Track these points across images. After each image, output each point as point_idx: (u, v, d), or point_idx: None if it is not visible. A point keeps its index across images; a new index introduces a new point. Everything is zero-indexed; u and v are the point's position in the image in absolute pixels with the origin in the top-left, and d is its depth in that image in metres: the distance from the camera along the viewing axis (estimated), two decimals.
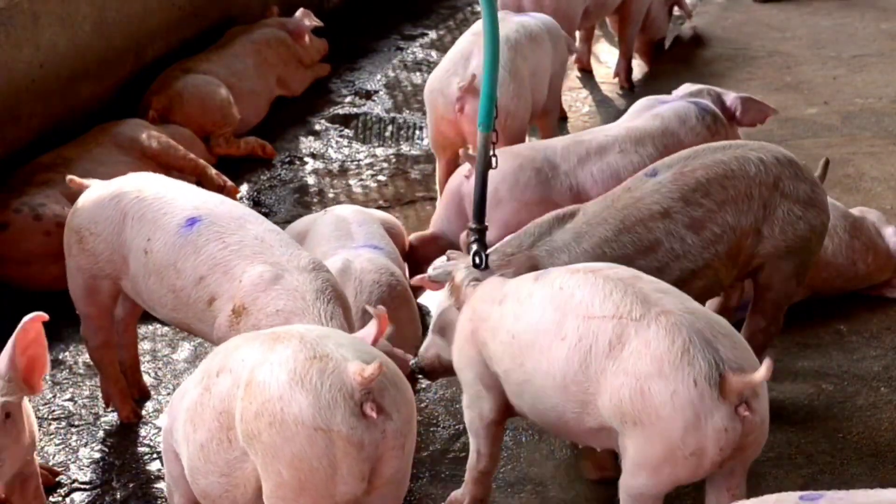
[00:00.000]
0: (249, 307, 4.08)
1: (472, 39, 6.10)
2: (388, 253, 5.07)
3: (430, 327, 4.45)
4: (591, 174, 5.45)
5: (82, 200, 4.56)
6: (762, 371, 3.32)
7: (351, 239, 5.07)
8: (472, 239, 4.56)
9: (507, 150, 5.42)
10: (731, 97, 5.72)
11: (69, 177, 4.72)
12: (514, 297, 3.82)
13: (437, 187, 6.41)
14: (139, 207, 4.39)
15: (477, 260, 4.41)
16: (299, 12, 7.78)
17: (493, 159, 4.43)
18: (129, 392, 4.86)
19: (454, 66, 6.11)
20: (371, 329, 3.76)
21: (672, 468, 3.46)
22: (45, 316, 3.57)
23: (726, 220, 4.33)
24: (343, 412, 3.22)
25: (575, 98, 7.89)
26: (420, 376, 4.49)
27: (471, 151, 5.48)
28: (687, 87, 5.81)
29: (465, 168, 5.49)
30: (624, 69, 8.10)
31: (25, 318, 3.54)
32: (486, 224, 4.43)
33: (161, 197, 4.40)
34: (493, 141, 4.43)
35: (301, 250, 4.28)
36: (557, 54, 6.51)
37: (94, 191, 4.55)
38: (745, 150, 4.46)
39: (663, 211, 4.27)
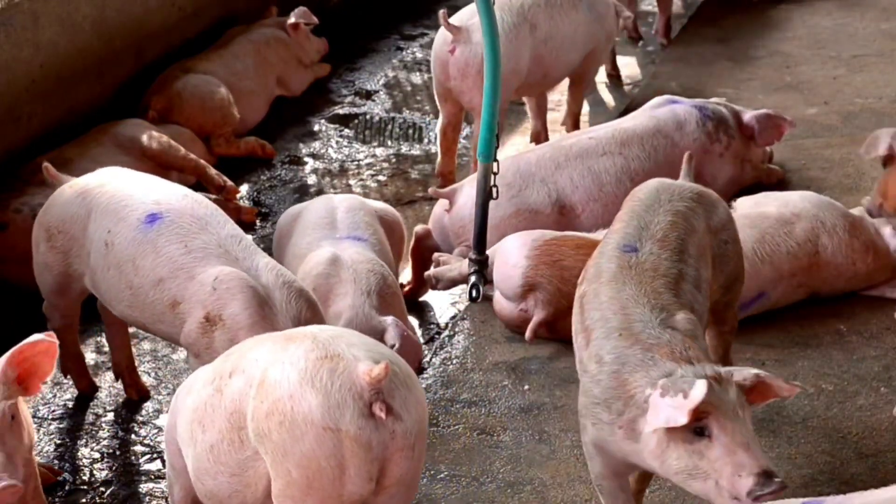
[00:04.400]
0: (225, 317, 4.10)
1: None
2: (373, 244, 5.03)
3: None
4: (571, 179, 5.53)
5: (53, 198, 4.59)
6: None
7: (334, 228, 5.05)
8: (472, 270, 4.59)
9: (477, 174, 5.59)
10: (748, 115, 5.73)
11: (45, 164, 4.74)
12: None
13: (438, 140, 6.64)
14: (102, 200, 4.41)
15: (474, 293, 4.41)
16: (297, 10, 7.75)
17: (494, 189, 4.42)
18: (86, 367, 4.98)
19: (462, 17, 6.31)
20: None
21: None
22: (55, 343, 3.59)
23: (706, 275, 4.13)
24: (352, 412, 3.23)
25: None
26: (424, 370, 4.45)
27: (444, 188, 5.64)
28: (714, 101, 5.87)
29: (444, 203, 5.59)
30: (663, 25, 8.58)
31: (39, 336, 3.57)
32: (487, 255, 4.45)
33: (123, 189, 4.43)
34: (493, 172, 4.46)
35: (264, 257, 4.29)
36: (601, 25, 6.66)
37: (63, 189, 4.58)
38: (674, 204, 4.16)
39: (679, 274, 3.97)
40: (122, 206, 4.35)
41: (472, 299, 4.37)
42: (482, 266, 4.47)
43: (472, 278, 4.49)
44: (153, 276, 4.22)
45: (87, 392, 4.97)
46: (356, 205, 5.25)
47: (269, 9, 7.95)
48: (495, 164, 4.71)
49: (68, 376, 4.98)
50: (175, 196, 4.40)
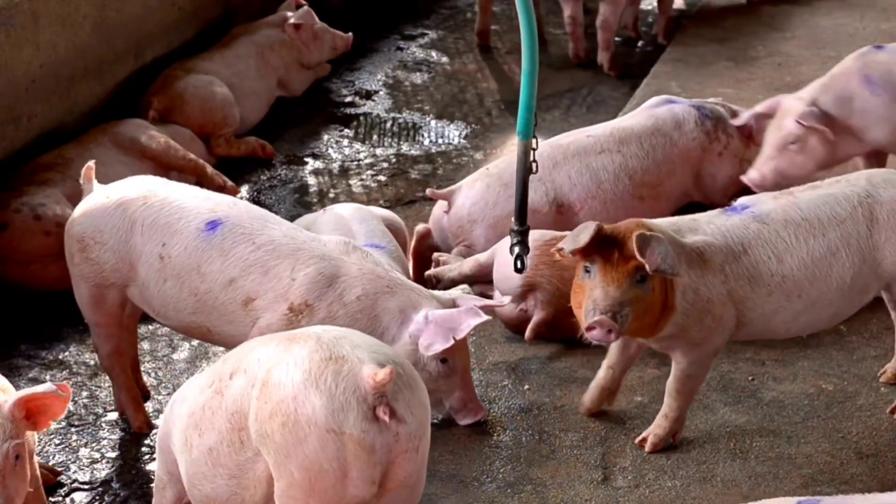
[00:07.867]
0: (314, 303, 4.20)
1: None
2: (390, 251, 5.07)
3: None
4: (569, 176, 5.54)
5: (83, 208, 4.53)
6: None
7: (352, 238, 5.07)
8: (515, 241, 4.60)
9: (475, 174, 5.64)
10: (745, 115, 5.73)
11: (89, 164, 4.66)
12: None
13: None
14: (149, 214, 4.41)
15: (518, 264, 4.41)
16: (299, 11, 7.74)
17: (534, 165, 4.44)
18: (141, 400, 4.82)
19: None
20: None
21: None
22: (67, 395, 3.49)
23: None
24: (356, 415, 3.23)
25: (575, 98, 7.89)
26: None
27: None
28: (711, 100, 5.87)
29: (443, 203, 5.62)
30: (663, 25, 8.76)
31: (51, 387, 3.47)
32: (528, 225, 4.46)
33: (171, 202, 4.43)
34: (533, 148, 4.45)
35: (325, 236, 4.48)
36: None
37: (96, 198, 4.53)
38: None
39: None
40: (176, 219, 4.37)
41: (517, 270, 4.41)
42: (524, 236, 4.50)
43: (516, 249, 4.50)
44: (223, 278, 4.28)
45: (142, 430, 4.75)
46: (367, 214, 5.29)
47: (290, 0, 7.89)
48: (534, 141, 4.73)
49: (124, 414, 4.79)
50: (226, 203, 4.48)
